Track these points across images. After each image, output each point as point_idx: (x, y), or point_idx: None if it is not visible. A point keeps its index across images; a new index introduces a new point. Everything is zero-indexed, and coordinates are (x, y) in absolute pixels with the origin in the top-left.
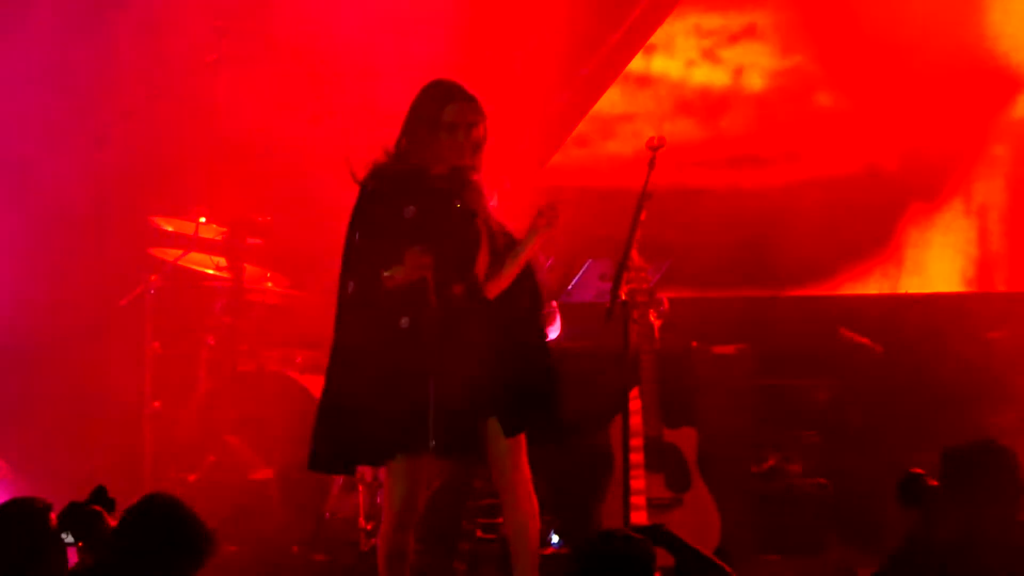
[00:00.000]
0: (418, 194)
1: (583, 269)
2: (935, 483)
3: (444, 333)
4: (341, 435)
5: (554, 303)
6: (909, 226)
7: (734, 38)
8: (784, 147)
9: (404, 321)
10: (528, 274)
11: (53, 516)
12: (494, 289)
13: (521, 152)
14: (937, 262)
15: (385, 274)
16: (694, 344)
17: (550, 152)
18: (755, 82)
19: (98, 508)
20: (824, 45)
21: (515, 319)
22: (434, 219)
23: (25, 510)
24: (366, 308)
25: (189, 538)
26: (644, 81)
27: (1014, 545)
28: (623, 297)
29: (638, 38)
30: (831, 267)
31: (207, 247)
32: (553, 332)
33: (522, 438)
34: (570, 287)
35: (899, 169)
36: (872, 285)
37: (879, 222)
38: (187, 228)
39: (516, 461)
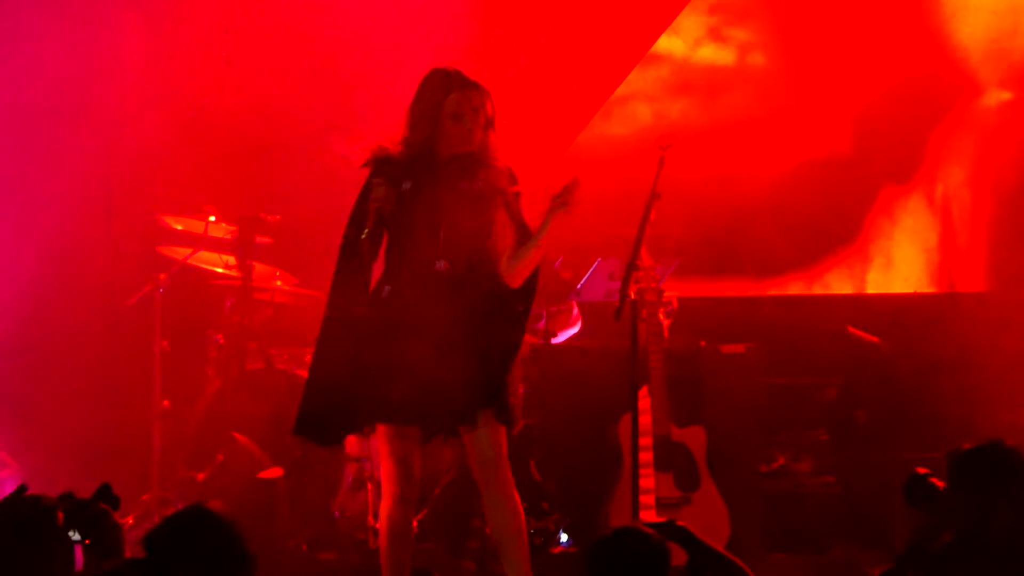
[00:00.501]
0: (419, 172)
1: (592, 268)
2: (941, 484)
3: (420, 305)
4: (327, 403)
5: (574, 303)
6: (880, 216)
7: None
8: (759, 137)
9: (386, 289)
10: (533, 275)
11: (60, 514)
12: (520, 275)
13: (543, 136)
14: (903, 252)
15: (362, 237)
16: (703, 343)
17: (572, 136)
18: (742, 68)
19: (105, 506)
20: (803, 34)
21: (504, 315)
22: (429, 195)
23: (31, 508)
24: (348, 274)
25: (227, 557)
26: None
27: (1022, 546)
28: (632, 296)
29: (661, 19)
30: (808, 257)
31: (216, 246)
32: (571, 332)
33: (503, 435)
34: (579, 286)
35: (871, 158)
36: (844, 273)
37: (851, 211)
38: (196, 227)
39: (497, 457)
